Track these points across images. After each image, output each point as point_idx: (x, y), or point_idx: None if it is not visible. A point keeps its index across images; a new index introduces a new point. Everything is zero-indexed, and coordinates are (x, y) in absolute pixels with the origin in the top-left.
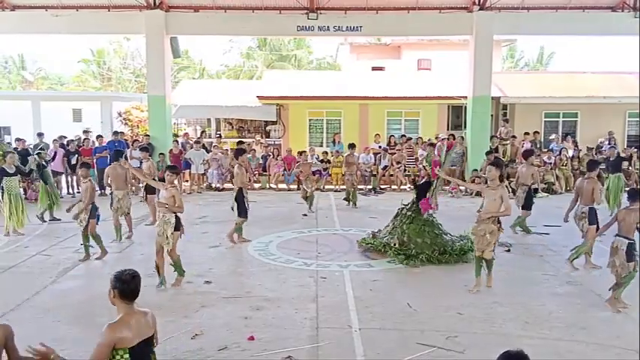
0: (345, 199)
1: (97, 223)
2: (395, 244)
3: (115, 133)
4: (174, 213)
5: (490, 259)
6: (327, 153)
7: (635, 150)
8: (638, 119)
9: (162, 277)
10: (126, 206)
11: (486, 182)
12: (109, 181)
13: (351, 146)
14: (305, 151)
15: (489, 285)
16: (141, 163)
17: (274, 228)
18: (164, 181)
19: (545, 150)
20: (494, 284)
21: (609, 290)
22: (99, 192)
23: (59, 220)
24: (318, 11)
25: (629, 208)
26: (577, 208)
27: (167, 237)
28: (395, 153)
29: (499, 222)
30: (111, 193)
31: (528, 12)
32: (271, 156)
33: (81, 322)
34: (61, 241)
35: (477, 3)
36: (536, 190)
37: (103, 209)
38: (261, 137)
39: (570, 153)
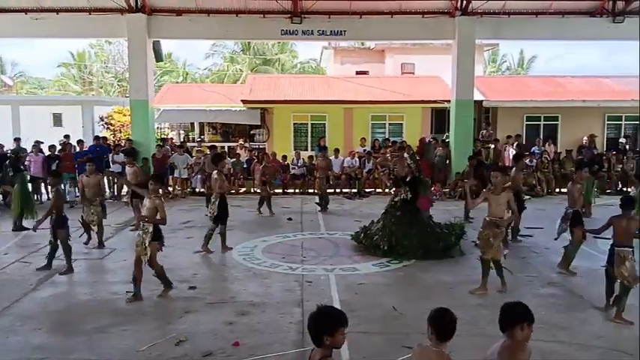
0: (317, 202)
1: (68, 235)
2: (384, 247)
3: (97, 137)
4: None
5: (499, 260)
6: (312, 157)
7: (614, 153)
8: (616, 122)
9: (138, 289)
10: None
11: (484, 189)
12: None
13: (323, 149)
14: (267, 153)
15: (502, 290)
16: (123, 168)
17: (259, 232)
18: (147, 188)
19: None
20: (478, 286)
21: (612, 305)
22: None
23: (28, 229)
24: (302, 15)
25: (629, 216)
26: (566, 210)
27: (145, 247)
28: (379, 157)
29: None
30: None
31: (509, 17)
32: (255, 160)
33: (61, 330)
34: (41, 248)
35: (459, 8)
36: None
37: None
38: (245, 141)
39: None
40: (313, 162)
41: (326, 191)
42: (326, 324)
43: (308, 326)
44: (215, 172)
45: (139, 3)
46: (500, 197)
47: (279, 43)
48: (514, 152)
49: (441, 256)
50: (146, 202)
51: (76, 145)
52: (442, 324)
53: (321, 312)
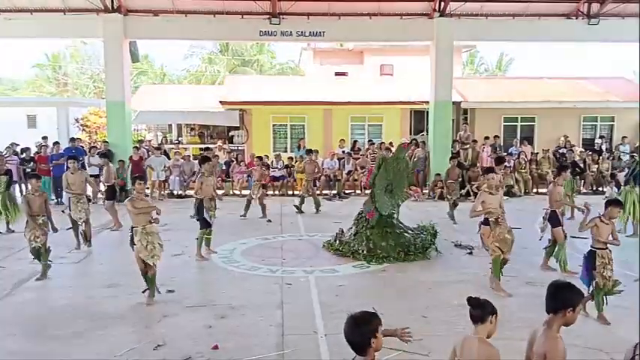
0: (295, 205)
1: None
2: (363, 251)
3: (72, 139)
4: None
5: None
6: (292, 158)
7: (590, 153)
8: (592, 123)
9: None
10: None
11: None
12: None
13: (309, 152)
14: (260, 157)
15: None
16: (100, 169)
17: (238, 235)
18: (124, 190)
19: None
20: (459, 287)
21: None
22: (55, 201)
23: (13, 231)
24: (281, 16)
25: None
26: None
27: (156, 247)
28: (359, 158)
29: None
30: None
31: (487, 19)
32: (234, 162)
33: (36, 335)
34: (15, 252)
35: (438, 9)
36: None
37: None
38: (224, 143)
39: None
40: (293, 163)
41: (315, 193)
42: (369, 327)
43: (350, 338)
44: (199, 176)
45: (114, 3)
46: (498, 196)
47: (257, 44)
48: (489, 153)
49: (421, 256)
50: (142, 202)
51: (52, 146)
52: (470, 309)
53: (356, 319)
